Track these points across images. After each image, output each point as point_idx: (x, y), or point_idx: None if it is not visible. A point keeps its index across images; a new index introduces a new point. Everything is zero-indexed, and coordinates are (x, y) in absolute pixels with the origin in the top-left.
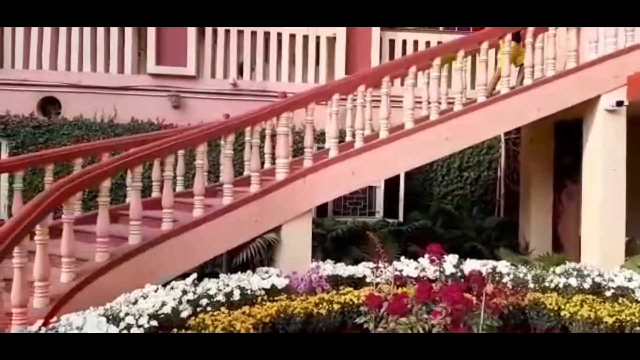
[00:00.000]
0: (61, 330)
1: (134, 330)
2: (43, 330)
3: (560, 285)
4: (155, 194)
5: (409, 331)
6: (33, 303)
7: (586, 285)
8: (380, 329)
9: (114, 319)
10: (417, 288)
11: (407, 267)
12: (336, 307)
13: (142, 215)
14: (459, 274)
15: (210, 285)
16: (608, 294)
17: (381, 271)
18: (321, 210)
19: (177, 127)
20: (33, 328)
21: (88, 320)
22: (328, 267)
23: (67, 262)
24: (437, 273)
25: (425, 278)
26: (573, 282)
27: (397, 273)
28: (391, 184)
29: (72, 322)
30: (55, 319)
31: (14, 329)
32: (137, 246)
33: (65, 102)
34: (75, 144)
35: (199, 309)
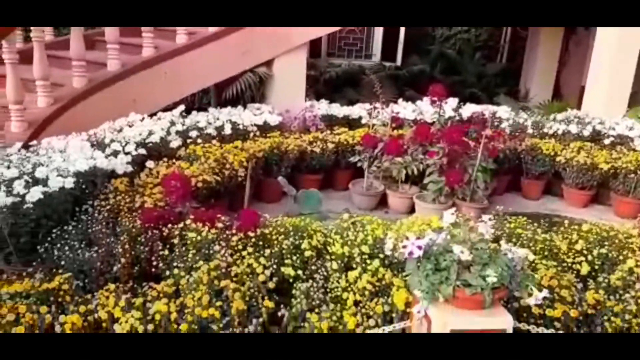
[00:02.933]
0: (42, 152)
1: (120, 156)
2: (23, 152)
3: (559, 132)
4: None
5: (404, 171)
6: (11, 127)
7: (586, 133)
8: (373, 168)
9: (98, 145)
10: (416, 129)
11: (405, 109)
12: (330, 146)
13: (121, 42)
14: (457, 118)
15: (199, 117)
16: (607, 142)
17: (378, 112)
18: (314, 50)
19: None
20: (12, 150)
21: (71, 144)
22: (323, 107)
23: (43, 86)
24: (436, 116)
25: (422, 121)
26: (573, 129)
27: (394, 115)
28: None
29: (53, 145)
30: (35, 142)
31: None
32: (117, 72)
33: None
34: None
35: (188, 141)
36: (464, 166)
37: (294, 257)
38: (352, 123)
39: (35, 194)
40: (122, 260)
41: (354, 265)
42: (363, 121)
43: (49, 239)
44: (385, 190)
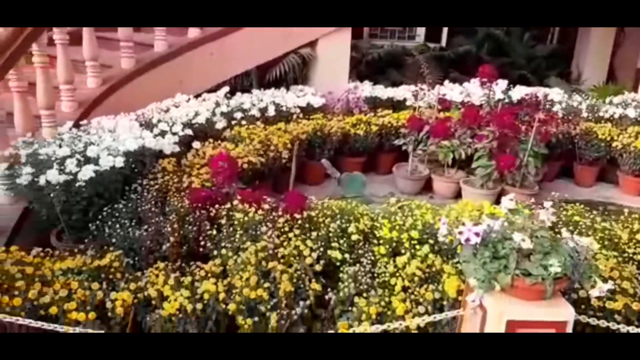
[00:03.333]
0: (92, 131)
1: (167, 136)
2: (74, 131)
3: (616, 116)
4: None
5: (451, 154)
6: (61, 107)
7: None
8: (419, 152)
9: (146, 125)
10: (464, 111)
11: (451, 91)
12: (374, 128)
13: None
14: (507, 100)
15: (243, 99)
16: None
17: (424, 94)
18: (356, 31)
19: None
20: (63, 129)
21: (120, 124)
22: (366, 88)
23: (92, 66)
24: (485, 98)
25: (469, 103)
26: (631, 112)
27: (441, 97)
28: None
29: (103, 124)
30: (85, 121)
31: (44, 131)
32: (164, 53)
33: None
34: None
35: (233, 122)
36: (514, 150)
37: (341, 241)
38: (396, 105)
39: (87, 172)
40: (171, 239)
41: (403, 251)
42: (408, 103)
43: (100, 217)
44: (430, 174)
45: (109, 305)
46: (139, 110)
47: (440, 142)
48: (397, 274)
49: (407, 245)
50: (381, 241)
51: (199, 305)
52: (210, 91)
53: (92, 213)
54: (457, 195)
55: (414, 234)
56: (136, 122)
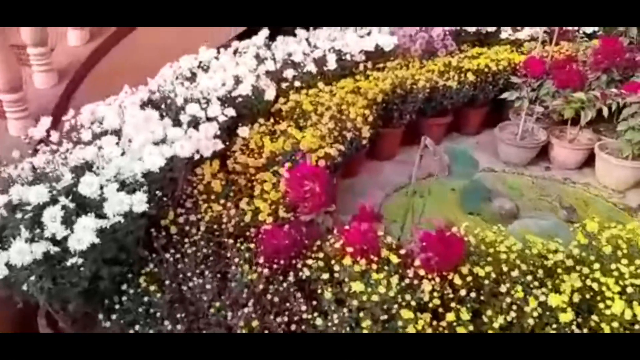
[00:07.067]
0: (85, 135)
1: (204, 127)
2: (54, 136)
3: None
4: None
5: (590, 112)
6: (34, 82)
7: None
8: (539, 109)
9: (167, 108)
10: (601, 44)
11: None
12: (470, 77)
13: None
14: None
15: (292, 47)
16: None
17: None
18: None
19: None
20: (36, 132)
21: (129, 113)
22: None
23: None
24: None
25: (598, 32)
26: None
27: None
28: None
29: (101, 115)
30: (71, 113)
31: (11, 126)
32: None
33: None
34: None
35: (284, 85)
36: None
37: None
38: (483, 39)
39: (84, 236)
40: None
41: None
42: (502, 35)
43: (113, 300)
44: (548, 139)
45: None
46: (150, 80)
47: (569, 94)
48: None
49: None
50: (612, 321)
51: None
52: (239, 37)
53: (102, 286)
54: (584, 165)
55: None
56: (154, 112)
